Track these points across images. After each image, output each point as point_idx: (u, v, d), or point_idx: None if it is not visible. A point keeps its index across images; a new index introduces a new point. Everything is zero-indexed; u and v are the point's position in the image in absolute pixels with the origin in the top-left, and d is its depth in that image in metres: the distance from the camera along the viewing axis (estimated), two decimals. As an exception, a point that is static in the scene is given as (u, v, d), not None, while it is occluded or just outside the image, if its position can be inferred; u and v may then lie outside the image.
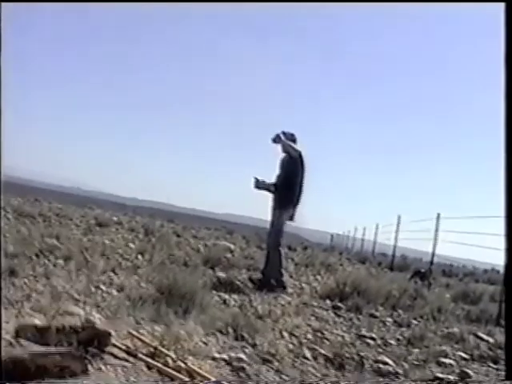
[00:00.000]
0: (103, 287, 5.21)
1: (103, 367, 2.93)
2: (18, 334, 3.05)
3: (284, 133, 6.84)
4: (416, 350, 4.51)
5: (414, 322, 5.87)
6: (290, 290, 6.70)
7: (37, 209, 15.20)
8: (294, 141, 6.86)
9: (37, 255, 6.56)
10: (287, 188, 6.74)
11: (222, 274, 7.04)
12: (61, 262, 6.39)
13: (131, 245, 9.25)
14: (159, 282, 5.14)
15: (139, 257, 7.88)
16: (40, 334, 3.03)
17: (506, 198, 3.26)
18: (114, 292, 5.10)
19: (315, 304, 6.13)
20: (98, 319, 3.76)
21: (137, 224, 14.92)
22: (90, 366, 2.86)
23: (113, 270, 6.32)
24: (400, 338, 4.95)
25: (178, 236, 13.32)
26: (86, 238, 9.33)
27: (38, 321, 3.42)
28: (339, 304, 6.16)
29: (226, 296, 5.77)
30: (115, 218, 15.36)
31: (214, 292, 5.84)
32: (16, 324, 3.19)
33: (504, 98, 3.16)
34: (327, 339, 4.49)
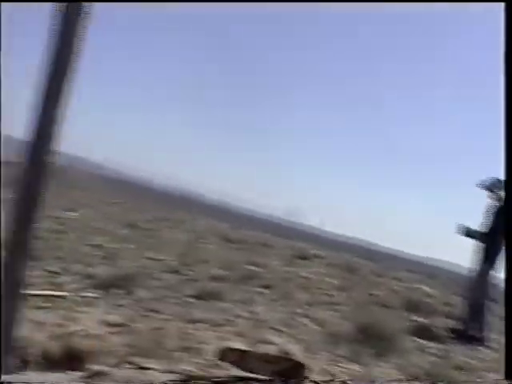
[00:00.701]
0: (302, 320, 5.22)
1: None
2: (221, 356, 3.15)
3: (499, 180, 6.32)
4: None
5: None
6: (489, 344, 6.08)
7: (243, 236, 16.01)
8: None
9: (239, 281, 6.85)
10: (497, 239, 6.21)
11: (420, 320, 6.68)
12: (262, 290, 6.59)
13: (331, 280, 9.21)
14: (358, 320, 5.01)
15: (338, 293, 7.81)
16: (240, 359, 3.09)
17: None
18: (313, 326, 5.07)
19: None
20: (295, 351, 3.74)
21: (336, 260, 14.89)
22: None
23: (312, 304, 6.33)
24: None
25: (378, 276, 12.98)
26: (287, 269, 9.53)
27: (238, 345, 3.51)
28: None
29: (423, 342, 5.44)
30: (316, 252, 15.50)
31: (412, 337, 5.55)
32: (219, 346, 3.30)
33: (504, 99, 3.05)
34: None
